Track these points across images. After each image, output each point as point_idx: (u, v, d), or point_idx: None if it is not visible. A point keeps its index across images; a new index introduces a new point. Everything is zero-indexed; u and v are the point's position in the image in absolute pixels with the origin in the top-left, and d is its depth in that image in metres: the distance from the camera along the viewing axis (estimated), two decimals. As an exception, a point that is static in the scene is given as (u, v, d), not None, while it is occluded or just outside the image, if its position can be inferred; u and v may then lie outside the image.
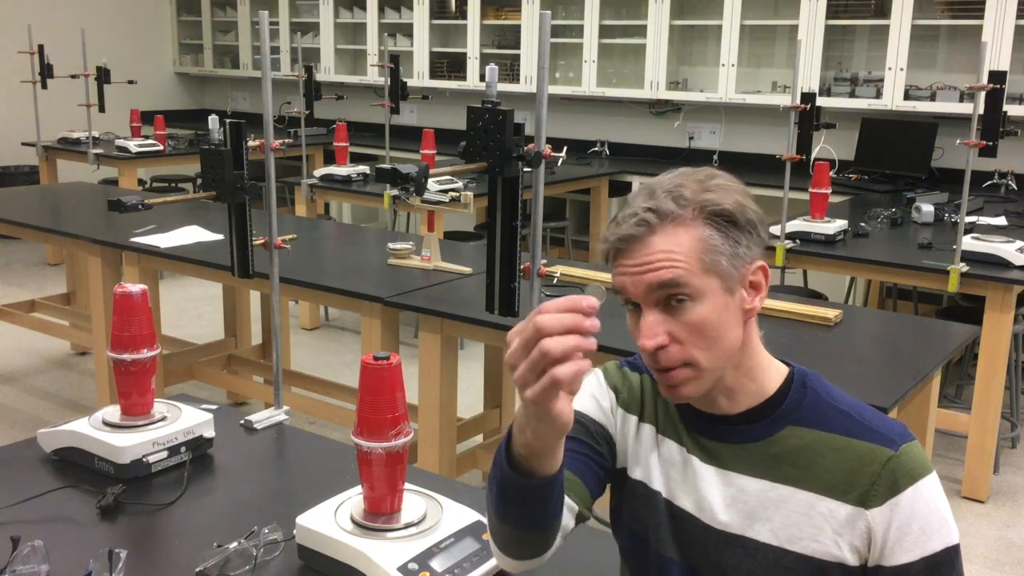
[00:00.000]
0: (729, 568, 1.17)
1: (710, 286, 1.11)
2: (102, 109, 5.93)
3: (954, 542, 1.11)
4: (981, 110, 3.32)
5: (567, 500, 1.18)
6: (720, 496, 1.18)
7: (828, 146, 5.59)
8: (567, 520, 1.19)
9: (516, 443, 1.06)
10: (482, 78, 6.32)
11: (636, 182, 5.87)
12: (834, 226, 3.74)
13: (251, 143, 2.02)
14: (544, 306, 0.95)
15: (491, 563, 1.38)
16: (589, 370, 0.94)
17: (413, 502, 1.48)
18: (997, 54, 4.77)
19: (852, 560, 1.12)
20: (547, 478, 1.07)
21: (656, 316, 1.11)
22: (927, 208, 4.16)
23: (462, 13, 6.75)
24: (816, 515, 1.13)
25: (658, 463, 1.24)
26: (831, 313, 2.64)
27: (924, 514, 1.10)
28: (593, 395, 1.28)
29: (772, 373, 1.19)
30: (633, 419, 1.27)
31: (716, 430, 1.19)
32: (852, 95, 5.38)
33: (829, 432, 1.14)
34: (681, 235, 1.11)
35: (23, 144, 6.80)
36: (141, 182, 6.90)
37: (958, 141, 3.43)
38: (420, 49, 6.91)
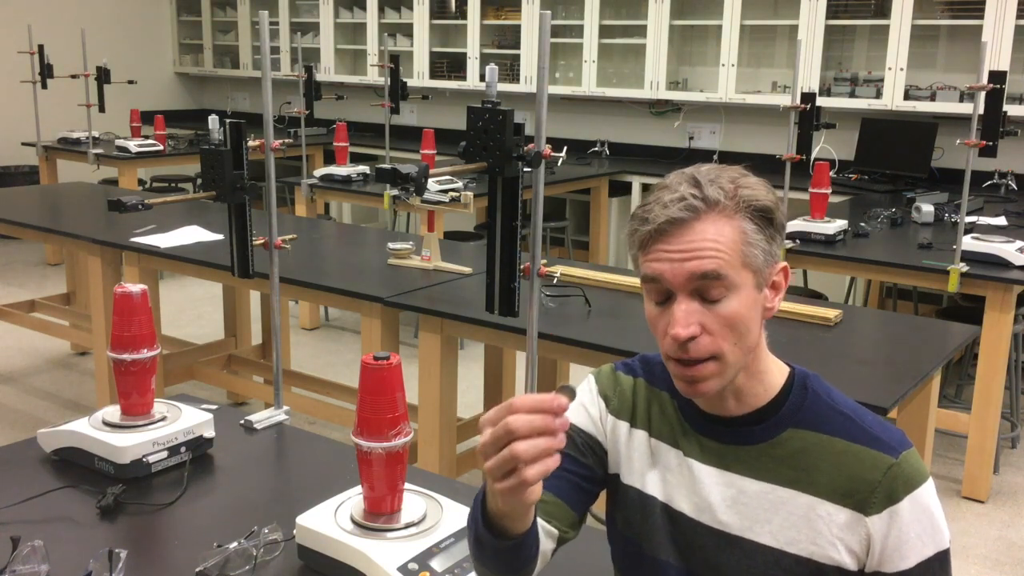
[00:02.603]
0: (727, 570, 1.17)
1: (745, 280, 1.11)
2: (102, 109, 5.93)
3: (946, 547, 1.13)
4: (981, 110, 3.32)
5: (546, 526, 1.20)
6: (720, 497, 1.18)
7: (828, 146, 5.59)
8: (546, 545, 1.20)
9: (488, 504, 1.08)
10: (482, 78, 6.32)
11: (636, 182, 5.87)
12: (834, 226, 3.74)
13: (251, 143, 2.02)
14: (515, 403, 0.97)
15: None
16: (557, 466, 0.98)
17: (413, 502, 1.48)
18: (997, 54, 4.77)
19: (850, 564, 1.12)
20: (520, 536, 1.09)
21: (691, 305, 1.10)
22: (927, 208, 4.16)
23: (462, 13, 6.74)
24: (815, 518, 1.13)
25: (653, 468, 1.23)
26: (831, 313, 2.64)
27: (921, 522, 1.11)
28: (583, 404, 1.29)
29: (776, 375, 1.19)
30: (624, 425, 1.26)
31: (718, 431, 1.19)
32: (852, 95, 5.38)
33: (829, 435, 1.14)
34: (724, 225, 1.10)
35: (23, 144, 6.80)
36: (141, 182, 6.90)
37: (958, 141, 3.43)
38: (420, 49, 6.91)
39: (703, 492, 1.19)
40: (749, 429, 1.17)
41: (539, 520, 1.20)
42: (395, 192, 4.66)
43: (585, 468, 1.25)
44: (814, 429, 1.15)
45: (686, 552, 1.20)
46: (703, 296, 1.10)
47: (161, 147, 6.24)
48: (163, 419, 1.78)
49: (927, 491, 1.12)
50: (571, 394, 0.98)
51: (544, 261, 2.15)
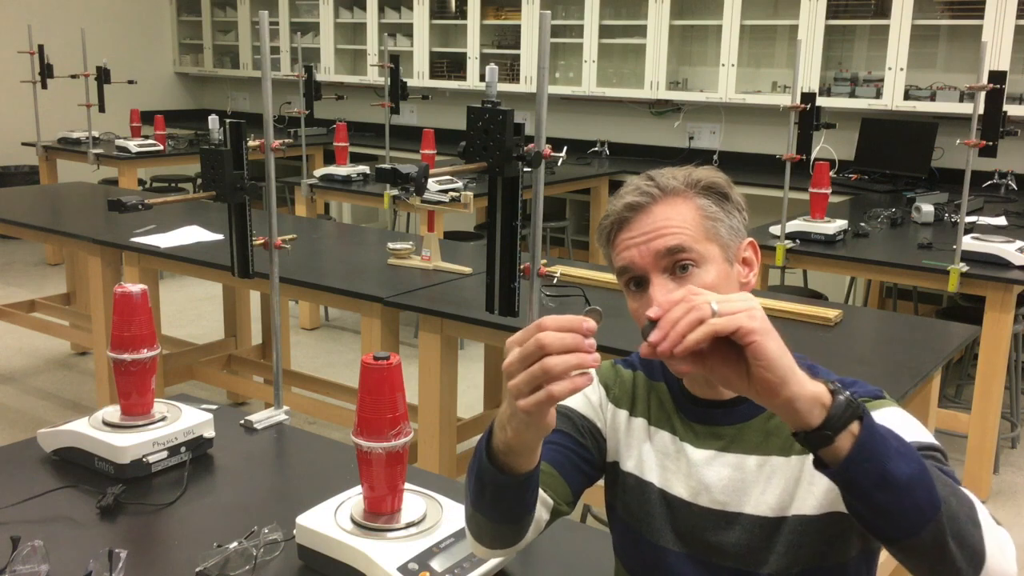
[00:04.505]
0: (728, 547, 1.19)
1: (712, 253, 1.17)
2: (102, 109, 5.93)
3: (939, 446, 1.08)
4: (981, 110, 3.32)
5: (542, 494, 1.21)
6: (716, 477, 1.20)
7: (828, 146, 5.59)
8: (541, 514, 1.22)
9: (496, 439, 1.08)
10: (482, 78, 6.31)
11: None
12: (834, 226, 3.74)
13: (251, 143, 2.02)
14: (545, 322, 0.97)
15: (491, 563, 1.38)
16: (588, 385, 0.97)
17: (413, 502, 1.48)
18: (997, 54, 4.77)
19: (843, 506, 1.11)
20: (523, 475, 1.10)
21: (666, 284, 1.15)
22: (927, 208, 4.16)
23: (462, 13, 6.75)
24: (804, 474, 1.15)
25: (652, 454, 1.26)
26: (831, 313, 2.64)
27: (896, 424, 1.06)
28: (584, 392, 1.29)
29: None
30: (624, 413, 1.29)
31: (710, 415, 1.22)
32: (852, 95, 5.38)
33: None
34: (681, 205, 1.18)
35: (23, 144, 6.80)
36: (141, 182, 6.90)
37: (958, 141, 3.43)
38: (420, 49, 6.91)
39: (699, 474, 1.21)
40: (737, 408, 1.20)
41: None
42: (395, 192, 4.66)
43: (583, 449, 1.28)
44: None
45: (686, 536, 1.22)
46: (676, 275, 1.15)
47: (161, 147, 6.24)
48: (163, 419, 1.78)
49: (894, 410, 1.11)
50: (599, 316, 0.97)
51: (544, 261, 2.15)
